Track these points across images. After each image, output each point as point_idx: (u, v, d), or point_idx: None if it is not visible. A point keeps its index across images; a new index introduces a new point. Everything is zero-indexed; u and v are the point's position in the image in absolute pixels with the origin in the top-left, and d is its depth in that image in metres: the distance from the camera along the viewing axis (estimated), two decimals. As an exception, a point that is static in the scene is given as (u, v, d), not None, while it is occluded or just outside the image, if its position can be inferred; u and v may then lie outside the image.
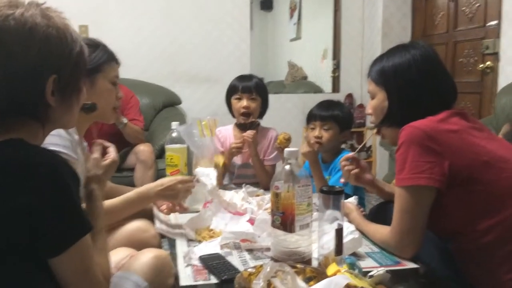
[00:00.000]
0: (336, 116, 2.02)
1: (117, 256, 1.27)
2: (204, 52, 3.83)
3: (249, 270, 1.11)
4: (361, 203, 1.93)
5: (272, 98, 4.08)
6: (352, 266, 1.09)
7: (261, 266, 1.08)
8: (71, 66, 0.94)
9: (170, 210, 1.58)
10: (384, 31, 3.88)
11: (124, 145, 2.91)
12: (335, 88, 4.43)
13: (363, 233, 1.49)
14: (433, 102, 1.36)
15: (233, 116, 2.33)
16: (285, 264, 1.09)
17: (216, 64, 3.84)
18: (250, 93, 2.22)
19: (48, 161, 0.86)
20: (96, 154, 1.23)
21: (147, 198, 1.55)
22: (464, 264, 1.29)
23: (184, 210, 1.61)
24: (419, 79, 1.37)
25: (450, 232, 1.31)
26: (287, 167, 1.21)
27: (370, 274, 1.08)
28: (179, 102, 3.63)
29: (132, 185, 2.29)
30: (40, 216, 0.83)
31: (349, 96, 4.22)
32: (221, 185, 2.06)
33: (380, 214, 1.57)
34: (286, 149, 1.23)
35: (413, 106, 1.37)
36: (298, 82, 5.45)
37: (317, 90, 4.84)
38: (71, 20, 3.28)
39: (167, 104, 3.53)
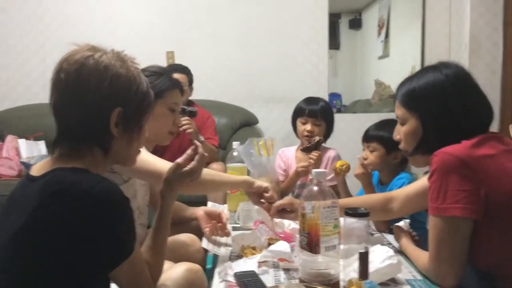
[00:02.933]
0: (380, 137, 1.96)
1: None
2: (281, 73, 3.90)
3: (270, 288, 1.13)
4: (420, 227, 1.85)
5: (349, 117, 4.07)
6: (371, 291, 1.06)
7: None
8: (136, 102, 1.08)
9: (212, 232, 1.64)
10: (472, 47, 3.66)
11: (200, 163, 3.06)
12: (422, 106, 4.26)
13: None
14: (470, 126, 1.28)
15: (298, 136, 2.37)
16: (303, 285, 1.10)
17: (292, 84, 3.89)
18: (315, 118, 2.26)
19: (104, 191, 0.97)
20: (180, 160, 1.26)
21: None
22: None
23: (226, 234, 1.65)
24: (455, 102, 1.28)
25: (492, 265, 1.21)
26: (315, 188, 1.22)
27: (389, 301, 1.05)
28: (256, 122, 3.73)
29: (205, 201, 2.33)
30: (92, 240, 0.95)
31: (434, 114, 4.02)
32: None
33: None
34: (314, 170, 1.23)
35: (451, 131, 1.28)
36: (385, 100, 5.30)
37: (405, 109, 4.69)
38: (159, 47, 3.60)
39: (244, 124, 3.64)
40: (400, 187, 1.91)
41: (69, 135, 1.05)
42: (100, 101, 1.02)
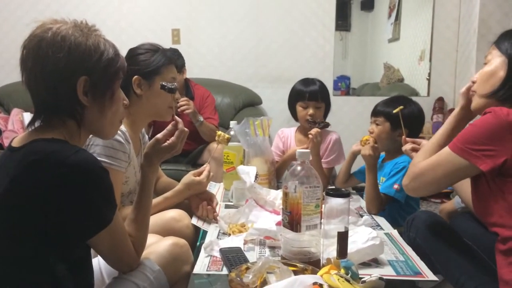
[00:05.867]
0: (387, 113, 1.99)
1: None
2: (287, 54, 3.89)
3: (248, 264, 1.16)
4: (412, 212, 1.86)
5: (354, 100, 4.06)
6: (347, 270, 1.08)
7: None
8: (101, 70, 1.08)
9: (201, 212, 1.72)
10: (480, 32, 3.60)
11: (200, 142, 3.09)
12: (430, 91, 4.23)
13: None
14: None
15: (296, 120, 2.36)
16: (282, 261, 1.12)
17: (298, 65, 3.87)
18: (316, 101, 2.23)
19: (81, 161, 0.98)
20: (159, 135, 1.28)
21: (182, 197, 1.74)
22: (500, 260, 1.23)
23: (213, 217, 1.72)
24: None
25: (497, 224, 1.24)
26: (298, 167, 1.23)
27: (363, 279, 1.07)
28: (260, 102, 3.74)
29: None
30: (68, 209, 0.97)
31: (440, 100, 3.99)
32: (272, 185, 2.10)
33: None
34: (298, 150, 1.25)
35: None
36: (393, 84, 5.26)
37: (413, 93, 4.65)
38: (165, 25, 3.59)
39: (248, 104, 3.65)
40: (399, 171, 1.93)
41: (42, 109, 1.07)
42: (62, 72, 1.03)
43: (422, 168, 1.36)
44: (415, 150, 1.66)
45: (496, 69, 1.31)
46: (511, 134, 1.18)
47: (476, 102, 1.39)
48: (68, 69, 1.03)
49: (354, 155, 2.19)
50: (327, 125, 2.23)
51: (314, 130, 2.14)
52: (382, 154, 2.19)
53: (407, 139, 1.73)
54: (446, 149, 1.30)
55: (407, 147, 1.70)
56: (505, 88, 1.29)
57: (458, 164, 1.25)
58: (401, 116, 1.87)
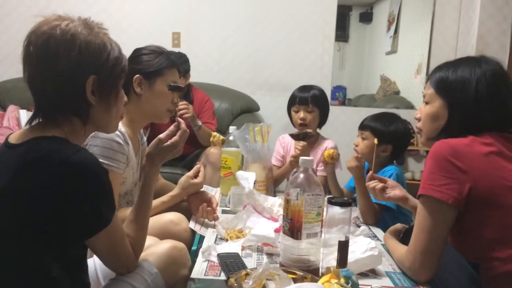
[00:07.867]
0: (373, 128, 2.03)
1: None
2: (286, 62, 3.90)
3: (248, 270, 1.15)
4: (406, 220, 1.88)
5: (350, 110, 4.07)
6: (347, 280, 1.08)
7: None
8: (109, 69, 1.08)
9: (201, 214, 1.72)
10: (478, 48, 3.64)
11: (197, 147, 3.08)
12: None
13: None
14: (492, 122, 1.28)
15: (294, 125, 2.39)
16: (280, 268, 1.12)
17: (296, 74, 3.89)
18: (306, 105, 2.28)
19: (82, 161, 0.97)
20: (162, 135, 1.29)
21: (180, 199, 1.75)
22: None
23: (214, 219, 1.73)
24: (486, 97, 1.27)
25: (475, 257, 1.23)
26: (301, 175, 1.23)
27: (363, 290, 1.07)
28: (257, 109, 3.74)
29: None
30: (68, 208, 0.96)
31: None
32: (269, 192, 2.10)
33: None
34: (301, 158, 1.25)
35: (474, 122, 1.28)
36: (389, 97, 5.30)
37: (408, 106, 4.68)
38: (166, 28, 3.59)
39: (245, 110, 3.65)
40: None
41: (46, 106, 1.05)
42: (72, 71, 1.02)
43: (410, 246, 1.28)
44: (383, 189, 1.66)
45: (439, 113, 1.33)
46: (457, 159, 1.19)
47: (426, 144, 1.42)
48: (78, 68, 1.02)
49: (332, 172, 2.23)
50: (308, 135, 2.22)
51: (300, 145, 2.15)
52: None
53: (375, 175, 1.71)
54: (418, 205, 1.26)
55: (371, 184, 1.68)
56: (447, 131, 1.32)
57: (434, 209, 1.21)
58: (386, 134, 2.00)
